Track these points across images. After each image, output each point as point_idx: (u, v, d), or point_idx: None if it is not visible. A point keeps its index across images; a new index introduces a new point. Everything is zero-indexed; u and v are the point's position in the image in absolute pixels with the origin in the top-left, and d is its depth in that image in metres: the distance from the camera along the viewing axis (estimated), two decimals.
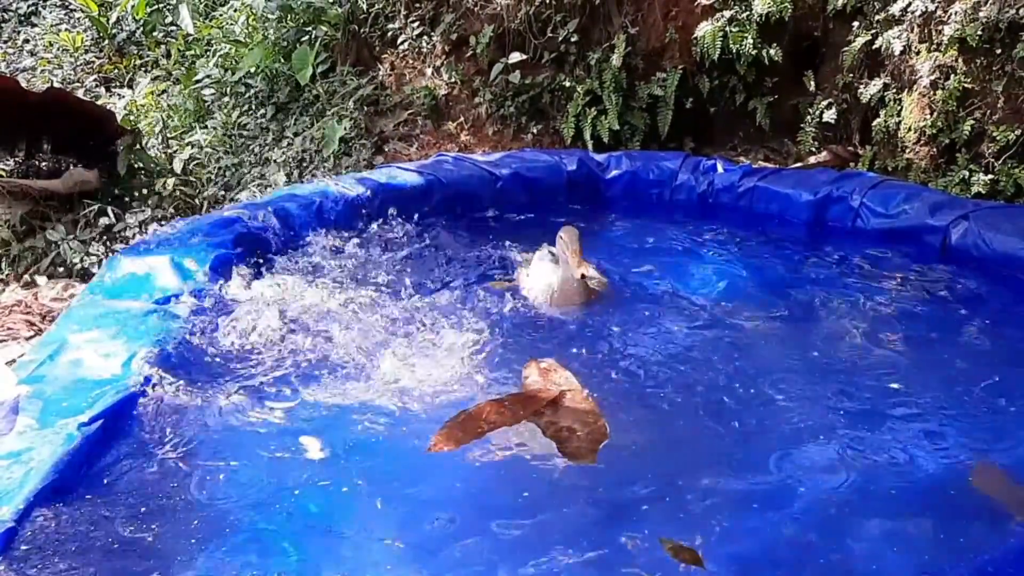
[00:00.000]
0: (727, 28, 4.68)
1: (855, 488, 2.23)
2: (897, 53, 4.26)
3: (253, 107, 5.66)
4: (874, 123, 4.46)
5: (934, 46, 4.13)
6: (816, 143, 4.74)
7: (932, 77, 4.11)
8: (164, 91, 6.03)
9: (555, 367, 2.70)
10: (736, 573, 1.91)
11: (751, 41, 4.64)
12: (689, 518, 2.07)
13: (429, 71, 5.43)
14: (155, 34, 6.65)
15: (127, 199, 4.92)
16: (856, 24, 4.48)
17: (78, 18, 7.16)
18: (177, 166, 5.05)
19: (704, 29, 4.73)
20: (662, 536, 1.96)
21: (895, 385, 2.67)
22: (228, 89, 5.75)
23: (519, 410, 2.44)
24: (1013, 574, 1.54)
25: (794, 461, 2.35)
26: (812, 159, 4.70)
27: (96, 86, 6.55)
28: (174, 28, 6.47)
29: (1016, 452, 2.34)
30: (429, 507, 2.13)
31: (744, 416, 2.54)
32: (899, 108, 4.33)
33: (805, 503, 2.16)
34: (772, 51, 4.65)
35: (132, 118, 5.56)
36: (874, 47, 4.37)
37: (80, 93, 6.19)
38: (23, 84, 5.06)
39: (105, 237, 4.64)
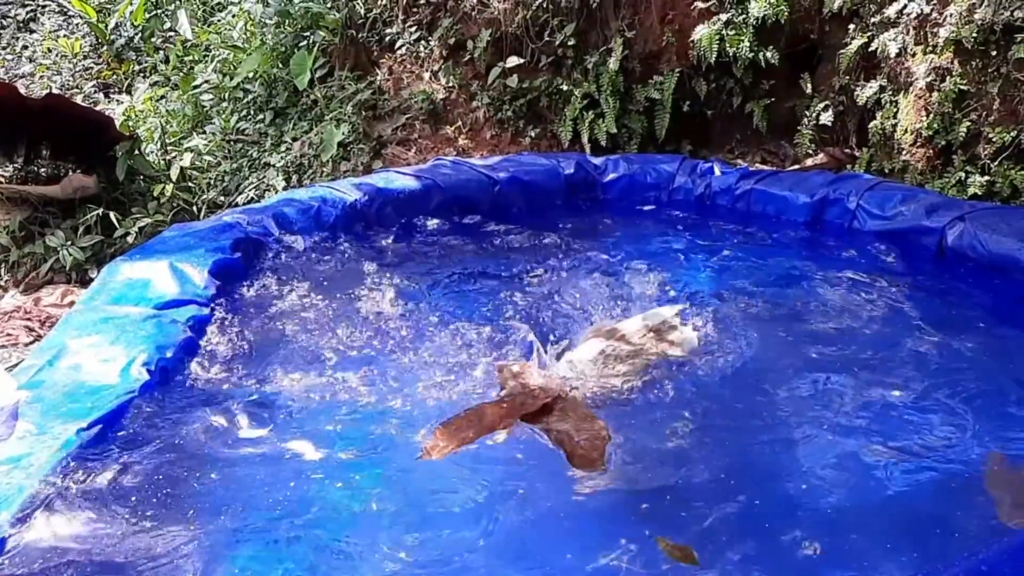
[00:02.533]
0: (724, 31, 4.69)
1: (854, 486, 2.23)
2: (893, 55, 4.28)
3: (251, 112, 5.68)
4: (871, 125, 4.47)
5: (930, 48, 4.14)
6: (813, 145, 4.75)
7: (928, 79, 4.13)
8: (163, 97, 6.04)
9: (527, 368, 2.66)
10: (733, 571, 1.91)
11: (748, 44, 4.65)
12: (687, 515, 2.08)
13: (427, 75, 5.45)
14: (153, 40, 6.67)
15: (126, 205, 4.93)
16: (852, 26, 4.49)
17: (77, 24, 7.18)
18: (176, 171, 5.06)
19: (701, 32, 4.75)
20: (659, 536, 1.96)
21: (896, 392, 2.67)
22: (226, 94, 5.77)
23: (510, 414, 2.41)
24: (1009, 573, 1.55)
25: (792, 460, 2.35)
26: (809, 161, 4.71)
27: (95, 92, 6.57)
28: (173, 34, 6.49)
29: (1013, 453, 2.34)
30: (426, 511, 2.13)
31: (742, 416, 2.54)
32: (895, 110, 4.34)
33: (804, 501, 2.16)
34: (769, 54, 4.67)
35: (131, 124, 5.57)
36: (870, 49, 4.38)
37: (79, 99, 6.20)
38: (22, 90, 5.07)
39: (104, 243, 4.64)
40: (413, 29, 5.44)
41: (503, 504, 2.15)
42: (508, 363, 2.69)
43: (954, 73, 4.06)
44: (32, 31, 7.30)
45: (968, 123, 4.04)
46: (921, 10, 4.13)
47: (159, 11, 6.40)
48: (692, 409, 2.58)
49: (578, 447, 2.29)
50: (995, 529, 2.05)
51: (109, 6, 6.83)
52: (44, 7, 7.45)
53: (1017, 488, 2.20)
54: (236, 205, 4.88)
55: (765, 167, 4.80)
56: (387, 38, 5.52)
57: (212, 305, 3.05)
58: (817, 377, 2.75)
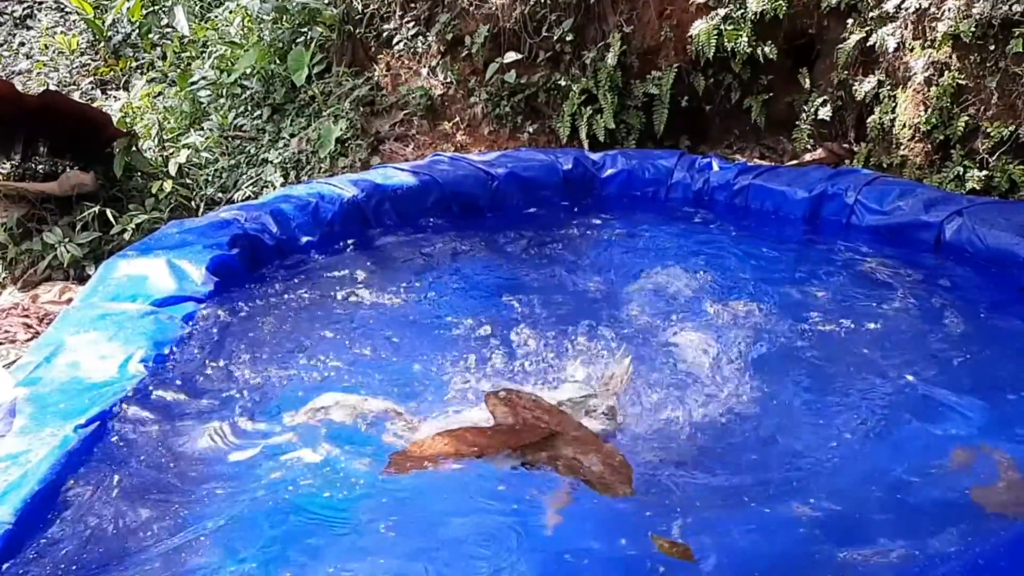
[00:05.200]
0: (722, 26, 4.68)
1: (854, 477, 2.24)
2: (891, 50, 4.27)
3: (249, 108, 5.67)
4: (869, 120, 4.46)
5: (928, 43, 4.13)
6: (811, 140, 4.74)
7: (926, 74, 4.12)
8: (160, 93, 6.03)
9: (516, 394, 2.47)
10: (732, 569, 1.91)
11: (746, 39, 4.65)
12: (686, 511, 2.07)
13: (424, 71, 5.44)
14: (151, 36, 6.65)
15: (124, 201, 4.92)
16: (850, 21, 4.48)
17: (73, 21, 7.16)
18: (173, 168, 5.06)
19: (699, 27, 4.74)
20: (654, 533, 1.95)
21: (895, 384, 2.67)
22: (224, 91, 5.75)
23: (493, 444, 2.25)
24: (1005, 568, 1.56)
25: (793, 455, 2.35)
26: (807, 156, 4.71)
27: (92, 88, 6.56)
28: (170, 30, 6.48)
29: (1013, 445, 2.34)
30: (422, 518, 2.10)
31: (740, 411, 2.54)
32: (894, 105, 4.34)
33: (804, 498, 2.16)
34: (767, 49, 4.66)
35: (128, 120, 5.56)
36: (868, 44, 4.37)
37: (76, 96, 6.19)
38: (19, 87, 5.06)
39: (102, 239, 4.64)
40: (411, 25, 5.43)
41: (500, 510, 2.12)
42: (496, 392, 2.49)
43: (952, 68, 4.05)
44: (29, 28, 7.28)
45: (966, 118, 4.04)
46: (919, 4, 4.13)
47: (156, 7, 6.39)
48: (689, 400, 2.58)
49: (601, 474, 2.17)
50: (992, 521, 2.06)
51: (106, 2, 6.81)
52: (41, 3, 7.43)
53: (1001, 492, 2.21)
54: (234, 201, 4.87)
55: (763, 162, 4.80)
56: (384, 34, 5.51)
57: (208, 302, 3.04)
58: (816, 370, 2.76)
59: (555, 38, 5.09)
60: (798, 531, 2.04)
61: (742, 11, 4.66)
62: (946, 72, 4.06)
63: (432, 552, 1.96)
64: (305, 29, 5.62)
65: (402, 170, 4.26)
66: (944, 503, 2.15)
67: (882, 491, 2.20)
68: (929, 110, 4.13)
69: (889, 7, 4.27)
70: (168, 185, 4.90)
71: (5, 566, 1.84)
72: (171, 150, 5.36)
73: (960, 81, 4.03)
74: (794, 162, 4.75)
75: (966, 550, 1.68)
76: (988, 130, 3.98)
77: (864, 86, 4.43)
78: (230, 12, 6.18)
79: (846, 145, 4.70)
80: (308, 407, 2.40)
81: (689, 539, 1.94)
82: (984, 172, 4.00)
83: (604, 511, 2.08)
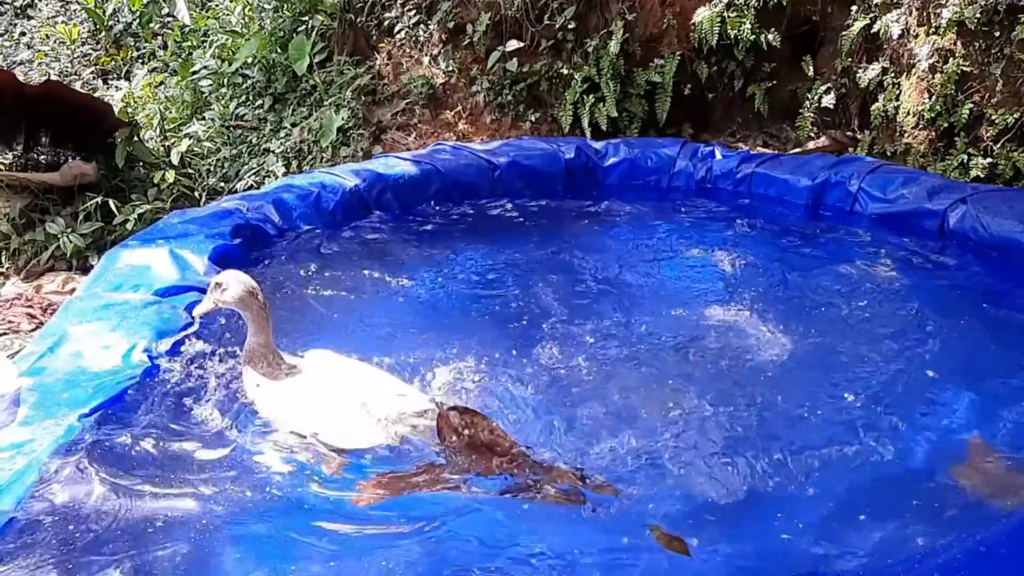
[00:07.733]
0: (725, 13, 4.66)
1: (852, 468, 2.23)
2: (895, 37, 4.24)
3: (250, 98, 5.65)
4: (873, 107, 4.44)
5: (933, 29, 4.11)
6: (815, 128, 4.73)
7: (931, 61, 4.10)
8: (161, 83, 6.02)
9: (470, 418, 2.24)
10: (727, 554, 1.92)
11: (749, 26, 4.62)
12: (680, 499, 2.08)
13: (426, 60, 5.42)
14: (152, 25, 6.63)
15: (126, 191, 4.92)
16: (854, 8, 4.46)
17: (74, 10, 7.15)
18: (175, 158, 5.05)
19: (702, 15, 4.71)
20: (653, 524, 1.94)
21: (910, 363, 2.67)
22: (225, 80, 5.74)
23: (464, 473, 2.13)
24: (1005, 554, 1.56)
25: (791, 441, 2.35)
26: (811, 144, 4.69)
27: (93, 78, 6.55)
28: (171, 19, 6.46)
29: (1010, 429, 2.34)
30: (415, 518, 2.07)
31: (740, 398, 2.54)
32: (898, 92, 4.31)
33: (804, 484, 2.17)
34: (770, 36, 4.64)
35: (129, 110, 5.55)
36: (873, 31, 4.35)
37: (77, 86, 6.19)
38: (20, 77, 5.05)
39: (104, 230, 4.64)
40: (412, 13, 5.40)
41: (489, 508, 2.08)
42: (449, 413, 2.25)
43: (957, 54, 4.03)
44: (30, 17, 7.27)
45: (970, 105, 4.02)
46: None
47: None
48: (690, 389, 2.58)
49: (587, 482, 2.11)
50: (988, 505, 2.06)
51: None
52: None
53: (991, 475, 2.21)
54: (236, 191, 4.87)
55: (766, 150, 4.78)
56: (386, 22, 5.49)
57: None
58: (814, 357, 2.76)
59: (557, 26, 5.07)
60: (793, 523, 2.04)
61: None
62: (950, 59, 4.04)
63: (430, 551, 1.95)
64: (306, 18, 5.60)
65: (404, 159, 4.26)
66: (944, 486, 2.15)
67: (881, 476, 2.20)
68: (933, 97, 4.11)
69: None
70: (170, 175, 4.90)
71: (6, 554, 1.84)
72: (173, 140, 5.36)
73: (964, 68, 4.01)
74: (797, 150, 4.73)
75: (967, 537, 1.68)
76: (992, 117, 3.96)
77: (868, 73, 4.40)
78: (231, 1, 6.16)
79: (849, 133, 4.69)
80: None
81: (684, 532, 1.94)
82: (988, 160, 3.99)
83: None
